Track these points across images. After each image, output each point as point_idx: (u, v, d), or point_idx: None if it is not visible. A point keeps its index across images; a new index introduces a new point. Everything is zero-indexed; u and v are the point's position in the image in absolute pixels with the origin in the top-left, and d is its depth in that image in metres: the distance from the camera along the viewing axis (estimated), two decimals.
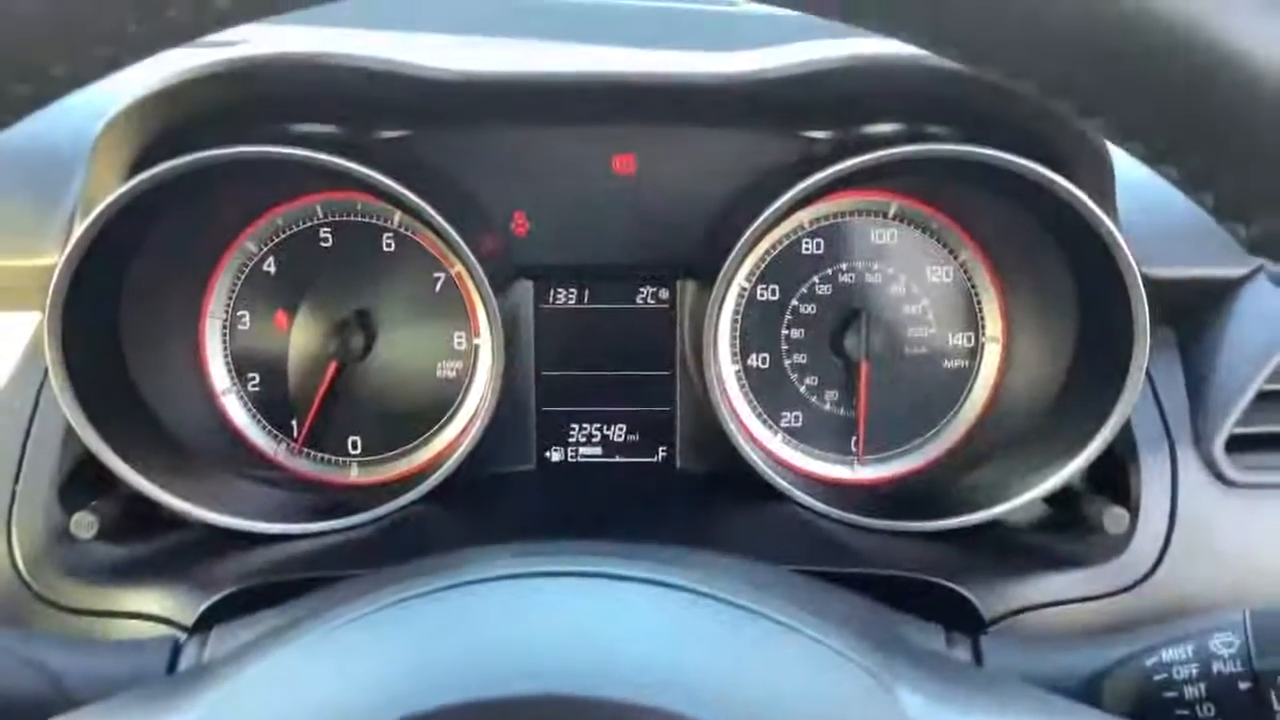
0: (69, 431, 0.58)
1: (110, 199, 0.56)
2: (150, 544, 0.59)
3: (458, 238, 0.58)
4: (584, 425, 0.69)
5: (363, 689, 0.28)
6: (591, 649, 0.26)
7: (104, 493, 0.59)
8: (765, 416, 0.68)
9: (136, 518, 0.59)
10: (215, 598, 0.54)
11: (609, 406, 0.69)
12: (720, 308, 0.62)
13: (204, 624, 0.53)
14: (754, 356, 0.68)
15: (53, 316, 0.56)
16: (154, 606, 0.54)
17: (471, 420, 0.66)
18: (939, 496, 0.64)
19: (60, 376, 0.56)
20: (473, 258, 0.59)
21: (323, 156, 0.56)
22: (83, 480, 0.59)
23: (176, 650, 0.43)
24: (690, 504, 0.66)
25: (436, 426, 0.68)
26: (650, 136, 0.66)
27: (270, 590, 0.55)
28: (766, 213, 0.59)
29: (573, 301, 0.68)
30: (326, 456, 0.68)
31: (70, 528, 0.56)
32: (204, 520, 0.59)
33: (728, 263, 0.60)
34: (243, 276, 0.66)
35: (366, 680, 0.28)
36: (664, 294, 0.68)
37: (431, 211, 0.57)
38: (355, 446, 0.68)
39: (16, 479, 0.57)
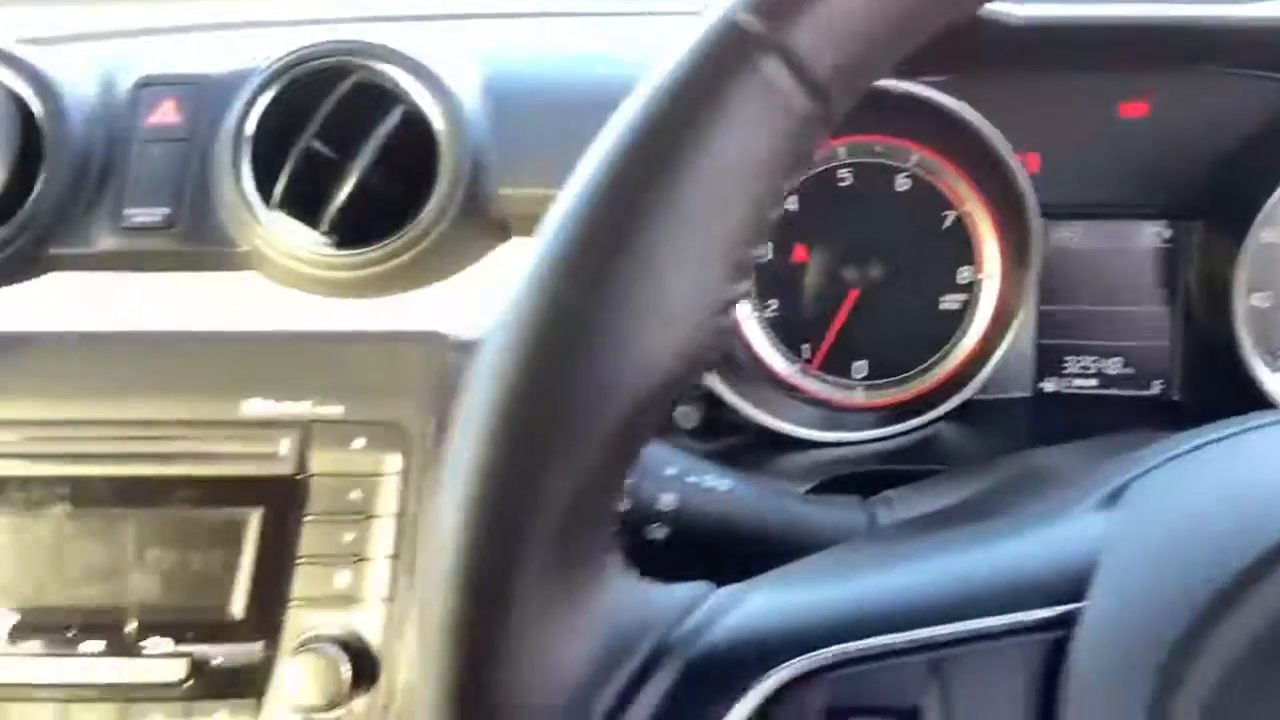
0: None
1: None
2: (722, 443, 0.66)
3: (1021, 179, 0.63)
4: (1080, 358, 0.73)
5: None
6: None
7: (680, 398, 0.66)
8: (1266, 354, 0.71)
9: (706, 420, 0.66)
10: (804, 489, 0.60)
11: (1105, 341, 0.72)
12: (1242, 250, 0.64)
13: None
14: (1256, 295, 0.71)
15: None
16: None
17: (976, 350, 0.71)
18: None
19: None
20: (1028, 190, 0.63)
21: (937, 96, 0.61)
22: None
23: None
24: None
25: (938, 355, 0.73)
26: (1162, 81, 0.69)
27: (845, 481, 0.61)
28: None
29: (1076, 240, 0.72)
30: (834, 379, 0.74)
31: (675, 420, 0.64)
32: (765, 425, 0.66)
33: (1266, 209, 0.62)
34: None
35: None
36: (1167, 233, 0.71)
37: (1000, 150, 0.62)
38: (860, 371, 0.73)
39: None
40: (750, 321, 0.73)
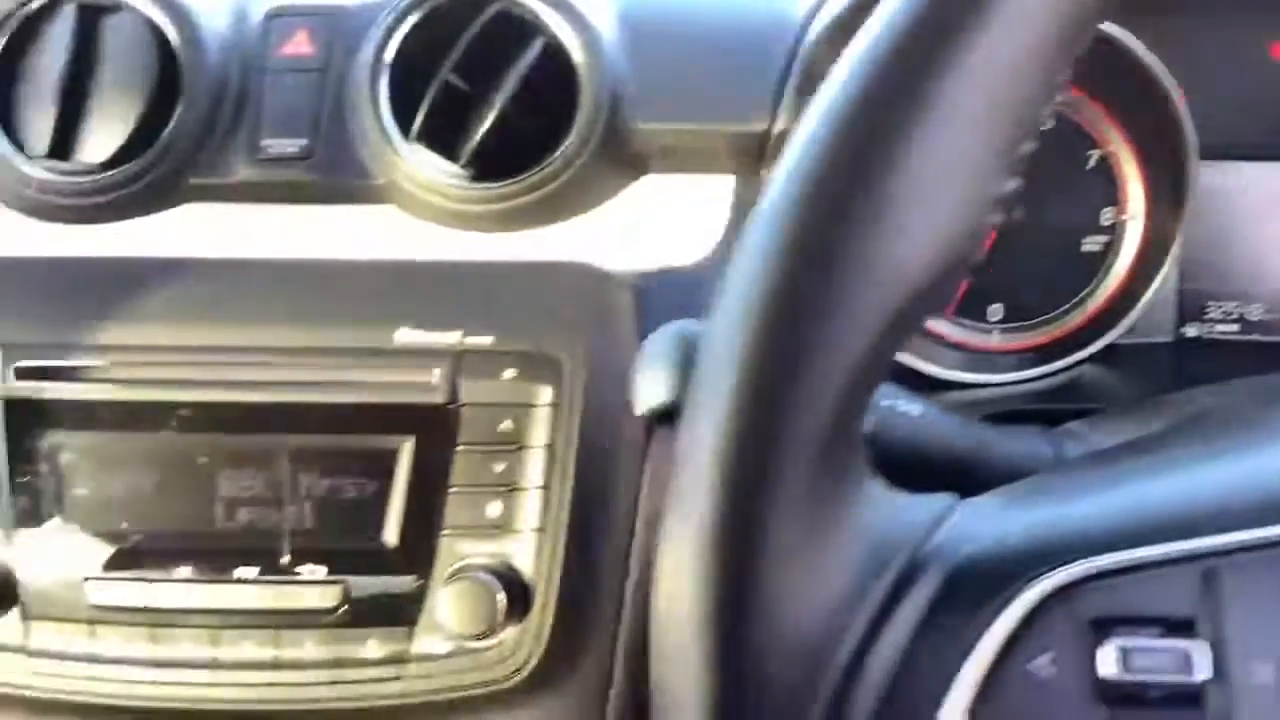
0: None
1: None
2: None
3: (1183, 116, 0.61)
4: (1221, 303, 0.71)
5: None
6: None
7: None
8: None
9: None
10: None
11: (1247, 286, 0.71)
12: None
13: None
14: None
15: None
16: None
17: (1117, 294, 0.70)
18: None
19: None
20: (1189, 129, 0.62)
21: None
22: None
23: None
24: None
25: (1078, 299, 0.71)
26: None
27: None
28: None
29: (1219, 182, 0.70)
30: (970, 322, 0.72)
31: None
32: (912, 367, 0.65)
33: None
34: None
35: None
36: None
37: (1165, 84, 0.61)
38: (996, 314, 0.72)
39: None
40: None
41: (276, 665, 0.58)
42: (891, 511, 0.33)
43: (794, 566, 0.30)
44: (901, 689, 0.31)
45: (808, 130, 0.31)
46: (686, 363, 0.41)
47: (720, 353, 0.31)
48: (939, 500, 0.34)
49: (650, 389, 0.42)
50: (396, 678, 0.58)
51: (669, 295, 0.63)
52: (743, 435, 0.30)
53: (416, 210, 0.66)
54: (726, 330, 0.31)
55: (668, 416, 0.42)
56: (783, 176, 0.31)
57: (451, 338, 0.59)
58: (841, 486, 0.32)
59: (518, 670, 0.58)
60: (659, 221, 0.68)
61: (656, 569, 0.32)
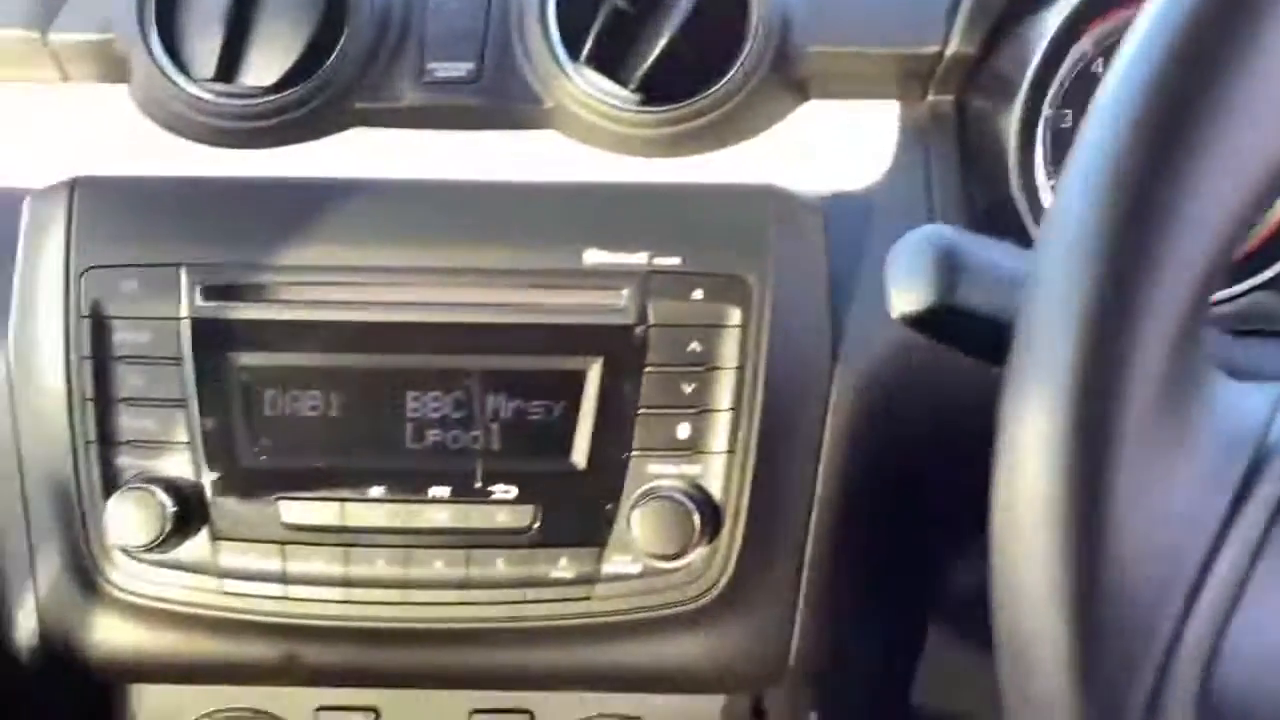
0: None
1: None
2: None
3: None
4: None
5: None
6: None
7: None
8: None
9: None
10: None
11: None
12: None
13: None
14: None
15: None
16: None
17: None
18: None
19: None
20: None
21: None
22: None
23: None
24: None
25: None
26: None
27: None
28: None
29: None
30: None
31: None
32: None
33: None
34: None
35: None
36: None
37: None
38: None
39: None
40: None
41: (467, 584, 0.58)
42: (1236, 400, 0.33)
43: (1151, 458, 0.30)
44: (1259, 580, 0.30)
45: (1147, 30, 0.30)
46: (943, 267, 0.41)
47: (1072, 240, 0.30)
48: (1273, 388, 0.34)
49: (906, 294, 0.41)
50: (586, 597, 0.58)
51: (849, 217, 0.62)
52: (1103, 321, 0.29)
53: (582, 135, 0.66)
54: (1078, 218, 0.30)
55: (922, 321, 0.42)
56: (1123, 75, 0.30)
57: (639, 259, 0.59)
58: (1193, 375, 0.31)
59: (707, 591, 0.58)
60: (823, 147, 0.67)
61: (998, 463, 0.31)
